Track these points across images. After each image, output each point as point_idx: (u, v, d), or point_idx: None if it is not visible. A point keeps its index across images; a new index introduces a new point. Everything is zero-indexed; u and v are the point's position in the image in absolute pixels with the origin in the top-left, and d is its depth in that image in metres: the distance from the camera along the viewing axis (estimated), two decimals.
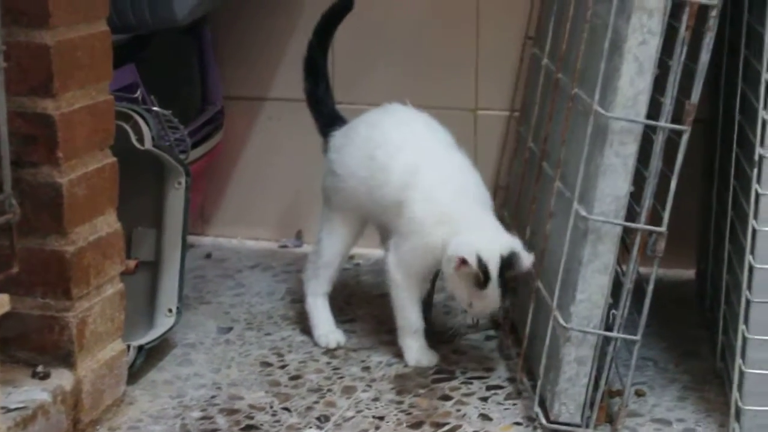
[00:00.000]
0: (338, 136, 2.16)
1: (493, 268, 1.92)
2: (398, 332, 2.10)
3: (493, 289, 1.93)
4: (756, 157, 1.70)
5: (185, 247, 2.13)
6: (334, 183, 2.13)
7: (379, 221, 2.14)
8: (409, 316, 2.07)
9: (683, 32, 1.71)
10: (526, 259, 1.93)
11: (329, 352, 2.16)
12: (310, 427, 1.87)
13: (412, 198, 2.00)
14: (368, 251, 2.54)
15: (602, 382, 1.81)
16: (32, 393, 1.72)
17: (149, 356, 2.06)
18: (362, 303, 2.40)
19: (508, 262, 1.93)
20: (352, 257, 2.62)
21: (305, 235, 2.72)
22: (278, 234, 2.73)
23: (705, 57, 1.71)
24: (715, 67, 2.03)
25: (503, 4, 2.51)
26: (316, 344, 2.19)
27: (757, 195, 1.70)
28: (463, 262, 1.91)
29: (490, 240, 1.95)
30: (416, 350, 2.08)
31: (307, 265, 2.20)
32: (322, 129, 2.21)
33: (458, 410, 1.93)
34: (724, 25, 1.96)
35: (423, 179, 2.00)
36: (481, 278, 1.92)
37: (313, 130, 2.49)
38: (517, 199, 2.26)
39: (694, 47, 1.72)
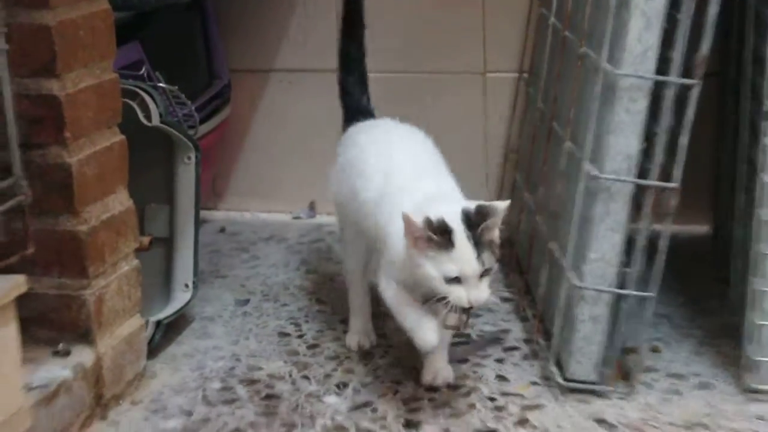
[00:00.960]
0: (346, 146, 2.01)
1: (454, 221, 1.65)
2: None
3: (464, 245, 1.64)
4: (765, 109, 1.70)
5: (198, 221, 2.14)
6: (338, 200, 2.02)
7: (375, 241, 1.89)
8: (407, 314, 1.79)
9: None
10: (499, 204, 1.69)
11: (346, 321, 2.14)
12: (329, 394, 1.89)
13: (381, 215, 1.80)
14: None
15: (617, 340, 1.82)
16: (54, 371, 1.73)
17: (168, 330, 2.08)
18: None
19: (478, 213, 1.67)
20: None
21: (318, 206, 2.74)
22: (291, 206, 2.75)
23: (714, 9, 1.70)
24: (726, 19, 2.01)
25: None
26: (333, 313, 2.20)
27: (766, 148, 1.70)
28: (408, 221, 1.64)
29: (447, 205, 1.70)
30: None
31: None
32: (344, 122, 2.08)
33: (475, 372, 1.95)
34: None
35: (390, 199, 1.79)
36: (437, 238, 1.63)
37: (320, 99, 2.51)
38: (528, 160, 2.27)
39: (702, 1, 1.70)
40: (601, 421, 1.76)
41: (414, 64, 2.55)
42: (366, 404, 1.85)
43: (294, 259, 2.49)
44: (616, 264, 1.80)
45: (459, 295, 1.64)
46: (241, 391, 1.90)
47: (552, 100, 2.08)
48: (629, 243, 1.81)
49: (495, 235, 1.69)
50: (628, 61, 1.74)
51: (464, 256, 1.63)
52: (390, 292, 1.79)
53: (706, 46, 1.71)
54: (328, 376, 1.95)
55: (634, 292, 1.80)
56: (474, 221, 1.65)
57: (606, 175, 1.77)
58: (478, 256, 1.64)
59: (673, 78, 1.72)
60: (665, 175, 1.75)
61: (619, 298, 1.82)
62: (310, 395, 1.89)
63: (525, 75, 2.46)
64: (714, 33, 1.71)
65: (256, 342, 2.09)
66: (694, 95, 1.72)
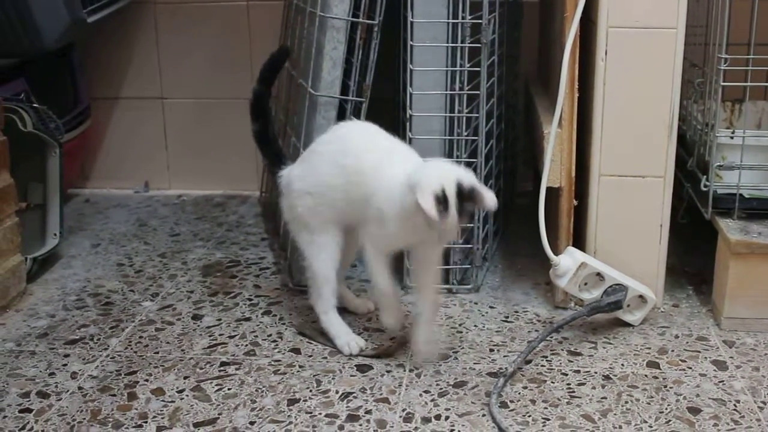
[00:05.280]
0: (294, 169, 1.65)
1: (451, 196, 1.41)
2: (375, 295, 1.65)
3: (452, 216, 1.41)
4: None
5: (63, 192, 2.13)
6: (312, 203, 1.61)
7: (354, 220, 1.60)
8: (381, 280, 1.58)
9: (359, 41, 1.78)
10: (490, 200, 1.43)
11: (163, 254, 2.17)
12: (146, 301, 1.91)
13: (377, 189, 1.52)
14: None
15: None
16: None
17: (43, 264, 2.07)
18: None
19: (467, 193, 1.42)
20: (180, 196, 2.67)
21: (150, 184, 2.71)
22: (133, 183, 2.72)
23: (373, 56, 1.77)
24: (387, 60, 2.05)
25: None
26: (154, 250, 2.20)
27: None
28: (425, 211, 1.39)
29: (443, 170, 1.45)
30: (387, 314, 1.61)
31: (310, 289, 1.68)
32: (271, 168, 1.71)
33: (241, 283, 1.99)
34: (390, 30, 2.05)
35: (385, 173, 1.52)
36: (442, 208, 1.40)
37: (154, 119, 2.53)
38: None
39: (367, 50, 1.78)
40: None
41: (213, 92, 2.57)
42: (169, 306, 1.87)
43: (132, 218, 2.47)
44: None
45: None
46: (89, 301, 1.91)
47: (285, 112, 2.13)
48: None
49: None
50: (323, 87, 1.81)
51: (451, 221, 1.41)
52: (371, 259, 1.56)
53: (369, 78, 1.78)
54: (146, 289, 1.96)
55: None
56: (464, 197, 1.42)
57: None
58: (459, 220, 1.43)
59: (350, 97, 1.80)
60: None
61: None
62: (133, 301, 1.90)
63: (277, 98, 2.42)
64: (374, 71, 1.77)
65: (102, 270, 2.08)
66: (364, 108, 1.79)
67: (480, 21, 1.76)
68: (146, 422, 1.44)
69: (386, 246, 1.55)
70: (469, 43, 1.78)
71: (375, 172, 1.52)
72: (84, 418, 1.45)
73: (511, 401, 1.49)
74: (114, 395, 1.52)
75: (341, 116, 1.83)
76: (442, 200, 1.40)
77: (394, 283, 1.60)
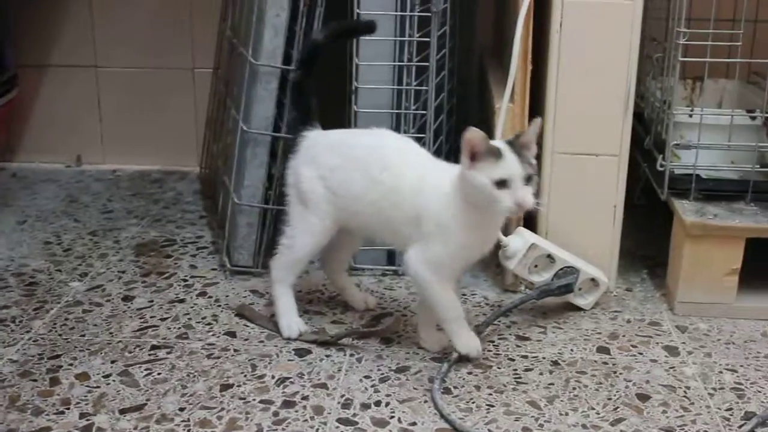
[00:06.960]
0: (323, 151, 1.57)
1: (500, 143, 1.41)
2: (444, 324, 1.54)
3: (509, 154, 1.38)
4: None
5: None
6: (335, 202, 1.55)
7: (383, 235, 1.56)
8: (450, 306, 1.52)
9: (303, 8, 1.76)
10: (534, 123, 1.42)
11: (94, 233, 2.12)
12: (74, 281, 1.87)
13: (426, 205, 1.46)
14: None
15: (264, 237, 1.87)
16: None
17: None
18: None
19: (516, 137, 1.43)
20: (114, 171, 2.61)
21: (83, 158, 2.65)
22: (64, 157, 2.64)
23: (317, 24, 1.75)
24: None
25: None
26: (85, 228, 2.14)
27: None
28: (468, 141, 1.37)
29: None
30: (465, 338, 1.54)
31: (279, 256, 1.62)
32: (294, 122, 1.62)
33: (176, 263, 1.95)
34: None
35: (430, 187, 1.47)
36: (490, 148, 1.38)
37: (82, 89, 2.44)
38: (214, 124, 2.28)
39: (311, 17, 1.76)
40: (254, 291, 1.80)
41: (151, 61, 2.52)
42: (98, 286, 1.83)
43: (62, 193, 2.41)
44: (262, 188, 1.84)
45: (507, 197, 1.38)
46: (12, 280, 1.86)
47: (225, 83, 2.10)
48: (269, 174, 1.85)
49: (532, 151, 1.42)
50: (264, 56, 1.79)
51: (510, 162, 1.38)
52: (434, 287, 1.49)
53: None
54: (74, 269, 1.92)
55: (274, 207, 1.82)
56: (513, 143, 1.40)
57: (253, 130, 1.81)
58: (520, 163, 1.38)
59: (293, 67, 1.73)
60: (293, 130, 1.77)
61: (264, 211, 1.86)
62: (60, 282, 1.85)
63: (218, 70, 2.37)
64: None
65: (27, 248, 2.03)
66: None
67: None
68: (68, 409, 1.40)
69: (454, 266, 1.48)
70: (418, 12, 1.75)
71: (417, 189, 1.47)
72: (1, 405, 1.41)
73: (455, 387, 1.47)
74: (35, 380, 1.48)
75: (282, 87, 1.80)
76: (496, 151, 1.38)
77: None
